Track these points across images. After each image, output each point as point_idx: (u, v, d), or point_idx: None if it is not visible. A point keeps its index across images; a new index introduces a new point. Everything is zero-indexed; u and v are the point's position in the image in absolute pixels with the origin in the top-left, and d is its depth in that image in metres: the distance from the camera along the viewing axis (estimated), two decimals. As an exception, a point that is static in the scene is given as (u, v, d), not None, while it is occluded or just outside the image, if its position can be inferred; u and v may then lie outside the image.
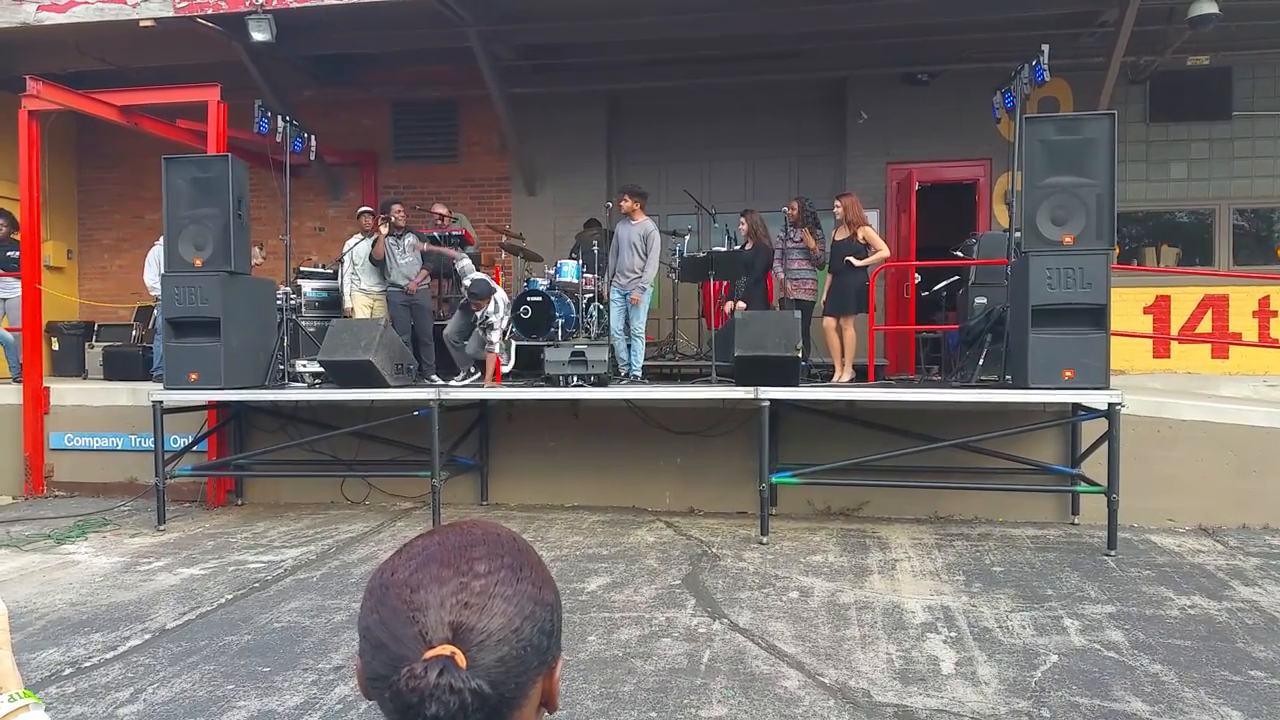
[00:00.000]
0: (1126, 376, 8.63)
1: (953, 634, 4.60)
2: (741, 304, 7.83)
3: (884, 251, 7.60)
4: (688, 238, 9.27)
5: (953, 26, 9.25)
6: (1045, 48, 6.77)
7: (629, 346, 7.89)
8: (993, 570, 5.78)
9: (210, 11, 8.54)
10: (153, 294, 8.87)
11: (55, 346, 10.43)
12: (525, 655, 0.77)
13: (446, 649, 0.74)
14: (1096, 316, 6.11)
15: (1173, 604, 5.05)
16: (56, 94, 8.31)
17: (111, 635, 4.69)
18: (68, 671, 4.20)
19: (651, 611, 4.98)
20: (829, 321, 7.67)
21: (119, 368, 9.58)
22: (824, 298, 7.85)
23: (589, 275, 8.49)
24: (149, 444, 7.63)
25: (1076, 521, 7.07)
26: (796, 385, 6.82)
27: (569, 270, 8.55)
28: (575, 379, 7.07)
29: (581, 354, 7.08)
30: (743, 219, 8.40)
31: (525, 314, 8.52)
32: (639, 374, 7.93)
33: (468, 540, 0.82)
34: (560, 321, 8.39)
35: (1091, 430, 6.68)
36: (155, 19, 8.60)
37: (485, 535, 0.84)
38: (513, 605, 0.78)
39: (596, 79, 10.49)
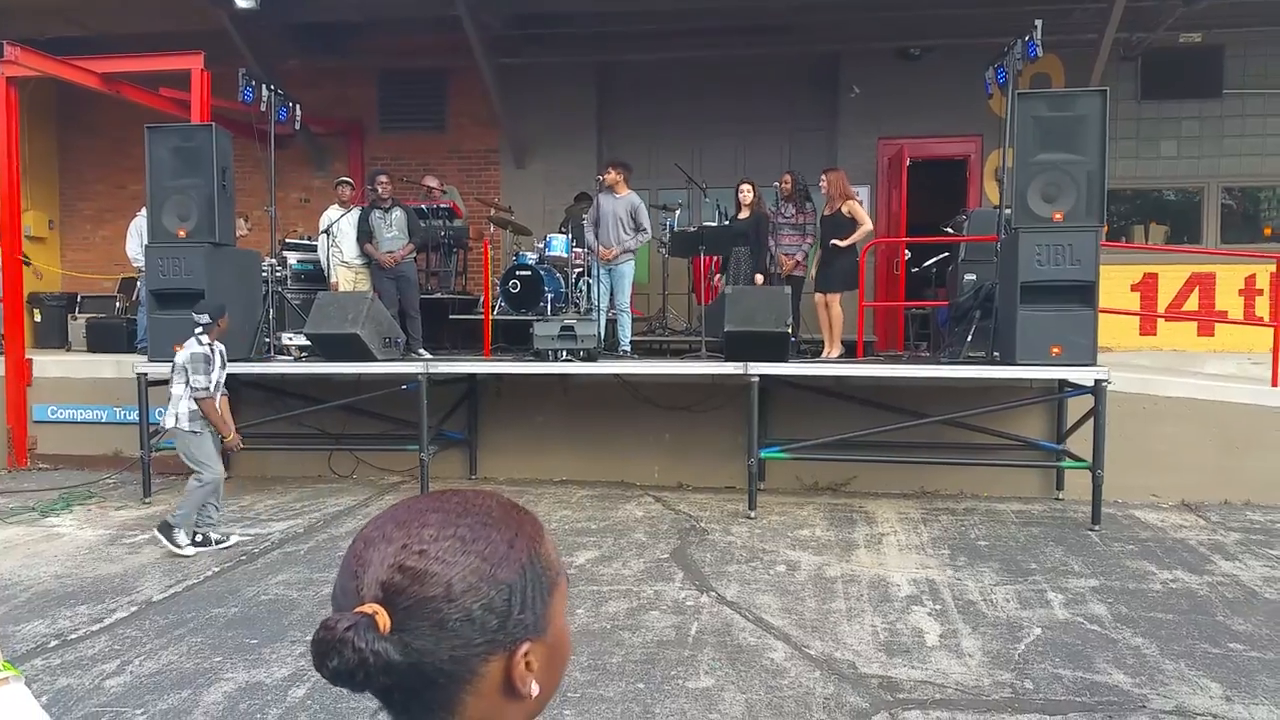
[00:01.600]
0: (1113, 353, 8.68)
1: (937, 607, 4.65)
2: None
3: (867, 225, 7.56)
4: (678, 212, 9.21)
5: (946, 1, 9.18)
6: (1038, 23, 6.72)
7: (615, 321, 7.86)
8: (978, 544, 5.83)
9: (193, -23, 8.38)
10: (135, 265, 8.76)
11: (38, 318, 10.32)
12: (463, 629, 0.74)
13: (370, 607, 0.73)
14: (1085, 293, 6.14)
15: (1155, 578, 5.11)
16: (35, 60, 8.15)
17: (97, 607, 4.68)
18: (53, 644, 4.18)
19: (640, 585, 5.00)
20: (818, 297, 7.68)
21: (102, 340, 9.48)
22: (813, 272, 7.86)
23: (578, 249, 8.43)
24: (133, 416, 7.57)
25: (1061, 497, 7.13)
26: (786, 361, 6.82)
27: (558, 244, 8.49)
28: (564, 354, 7.05)
29: (570, 329, 7.06)
30: (748, 185, 8.11)
31: (514, 289, 8.48)
32: (628, 349, 7.91)
33: (434, 505, 0.79)
34: (549, 296, 8.36)
35: (1077, 406, 6.73)
36: (137, -16, 8.44)
37: (460, 503, 0.80)
38: (453, 573, 0.74)
39: (587, 51, 10.36)
